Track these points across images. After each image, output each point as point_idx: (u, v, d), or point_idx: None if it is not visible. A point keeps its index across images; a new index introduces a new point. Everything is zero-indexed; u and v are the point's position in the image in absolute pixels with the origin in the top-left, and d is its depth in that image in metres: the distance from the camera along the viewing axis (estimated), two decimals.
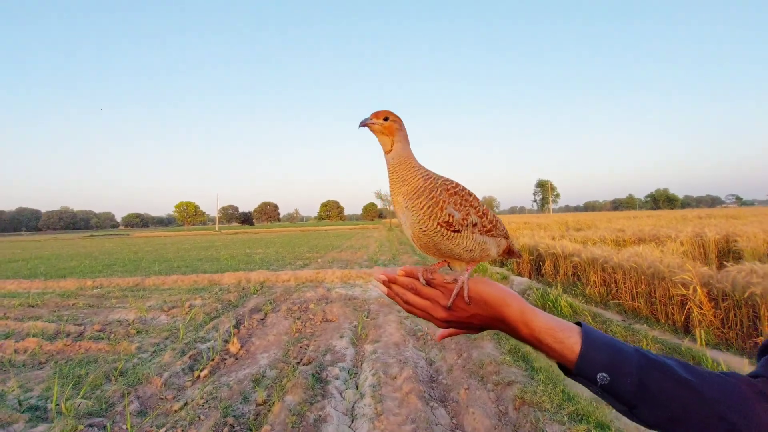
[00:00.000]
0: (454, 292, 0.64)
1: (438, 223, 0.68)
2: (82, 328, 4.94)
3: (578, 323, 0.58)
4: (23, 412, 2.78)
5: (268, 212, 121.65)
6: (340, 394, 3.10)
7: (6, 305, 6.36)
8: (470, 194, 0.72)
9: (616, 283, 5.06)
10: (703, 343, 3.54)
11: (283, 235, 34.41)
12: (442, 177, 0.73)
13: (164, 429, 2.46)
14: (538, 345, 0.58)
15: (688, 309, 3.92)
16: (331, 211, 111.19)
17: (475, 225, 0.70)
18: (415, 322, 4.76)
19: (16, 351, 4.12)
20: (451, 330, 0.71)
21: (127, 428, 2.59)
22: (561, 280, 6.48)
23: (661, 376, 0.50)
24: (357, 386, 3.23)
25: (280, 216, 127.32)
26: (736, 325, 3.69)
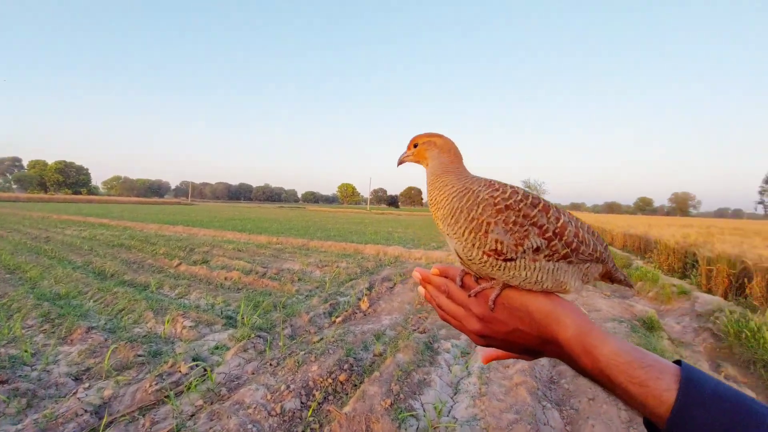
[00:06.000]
0: (492, 297, 0.52)
1: (484, 252, 0.52)
2: (266, 269, 6.51)
3: (677, 362, 0.42)
4: (222, 318, 3.97)
5: (413, 196, 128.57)
6: (448, 367, 3.17)
7: (225, 248, 8.94)
8: (535, 206, 0.52)
9: None
10: None
11: (424, 218, 35.74)
12: (493, 186, 0.54)
13: (303, 352, 3.09)
14: (609, 385, 0.43)
15: None
16: None
17: (537, 250, 0.51)
18: None
19: (225, 278, 5.81)
20: (498, 352, 0.56)
21: (280, 344, 3.38)
22: None
23: None
24: (466, 365, 3.23)
25: (423, 201, 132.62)
26: None
